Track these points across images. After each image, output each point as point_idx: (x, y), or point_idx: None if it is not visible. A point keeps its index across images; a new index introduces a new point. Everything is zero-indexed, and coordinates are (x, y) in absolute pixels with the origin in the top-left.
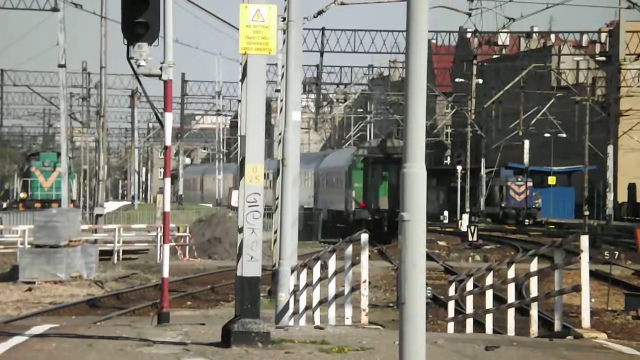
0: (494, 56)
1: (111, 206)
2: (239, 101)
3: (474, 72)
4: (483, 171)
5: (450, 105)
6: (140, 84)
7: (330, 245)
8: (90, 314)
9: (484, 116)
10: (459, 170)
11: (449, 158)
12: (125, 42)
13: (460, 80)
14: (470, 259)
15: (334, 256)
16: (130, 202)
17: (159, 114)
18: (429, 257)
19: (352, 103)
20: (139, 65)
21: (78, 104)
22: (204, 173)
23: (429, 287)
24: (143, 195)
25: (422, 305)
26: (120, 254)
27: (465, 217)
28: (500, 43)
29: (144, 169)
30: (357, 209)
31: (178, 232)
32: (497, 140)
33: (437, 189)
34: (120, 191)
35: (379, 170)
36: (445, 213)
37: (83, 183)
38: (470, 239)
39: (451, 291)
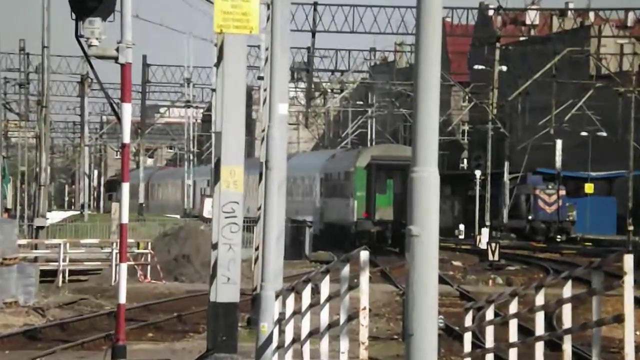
0: (521, 38)
1: (55, 217)
2: (214, 90)
3: (497, 57)
4: (506, 177)
5: (467, 97)
6: (92, 68)
7: (323, 264)
8: (29, 348)
9: (508, 111)
10: (477, 176)
11: (465, 161)
12: (74, 16)
13: (480, 67)
14: (490, 282)
15: (327, 278)
16: (79, 212)
17: (114, 105)
18: (441, 280)
19: (350, 94)
20: (90, 45)
21: (14, 91)
22: (151, 178)
23: (441, 316)
24: (95, 204)
25: (434, 337)
26: (67, 274)
27: (485, 231)
28: (528, 22)
29: (95, 172)
30: (360, 219)
31: (138, 248)
32: (524, 140)
33: (451, 198)
34: (66, 198)
35: (383, 178)
36: (461, 227)
37: (20, 188)
38: (490, 258)
39: (468, 321)
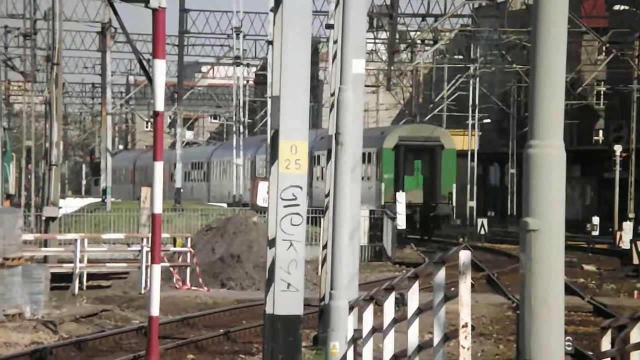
0: None
1: (70, 205)
2: (270, 43)
3: None
4: None
5: (605, 48)
6: (116, 13)
7: (409, 267)
8: None
9: None
10: (617, 152)
11: (601, 133)
12: None
13: (623, 7)
14: (636, 293)
15: (416, 285)
16: (100, 200)
17: (144, 62)
18: (568, 289)
19: (446, 46)
20: None
21: (17, 44)
22: (137, 161)
23: (568, 337)
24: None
25: None
26: (84, 279)
27: (628, 226)
28: None
29: (121, 148)
30: (388, 202)
31: (174, 246)
32: None
33: (581, 182)
34: (84, 182)
35: (411, 159)
36: (595, 220)
37: (26, 168)
38: (636, 261)
39: (605, 344)
